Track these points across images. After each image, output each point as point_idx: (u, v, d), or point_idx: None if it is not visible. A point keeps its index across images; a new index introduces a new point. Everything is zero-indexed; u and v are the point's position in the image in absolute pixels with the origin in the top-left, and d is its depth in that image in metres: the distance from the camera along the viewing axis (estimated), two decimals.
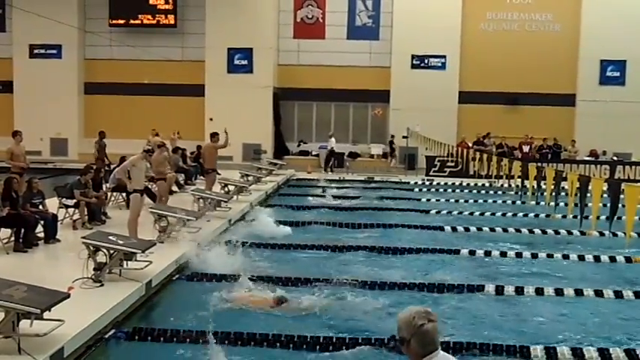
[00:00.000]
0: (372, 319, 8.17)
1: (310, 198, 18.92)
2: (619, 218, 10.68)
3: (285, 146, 30.00)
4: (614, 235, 12.70)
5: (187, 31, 29.78)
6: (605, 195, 10.13)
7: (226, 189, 16.36)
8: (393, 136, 28.48)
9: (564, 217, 14.67)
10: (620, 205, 9.34)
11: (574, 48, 28.84)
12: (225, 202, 14.89)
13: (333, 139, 26.61)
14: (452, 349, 7.07)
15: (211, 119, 27.46)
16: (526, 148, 27.41)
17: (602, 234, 12.99)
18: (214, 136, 16.75)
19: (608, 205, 9.17)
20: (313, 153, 29.40)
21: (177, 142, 21.65)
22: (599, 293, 9.26)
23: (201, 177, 18.53)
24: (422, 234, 13.92)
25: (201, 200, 14.17)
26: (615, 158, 26.94)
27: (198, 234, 11.70)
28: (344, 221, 15.01)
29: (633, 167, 25.65)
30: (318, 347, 7.13)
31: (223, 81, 28.39)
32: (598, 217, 10.60)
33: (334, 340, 7.26)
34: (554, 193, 12.46)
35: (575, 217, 11.08)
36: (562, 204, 13.37)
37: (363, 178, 24.04)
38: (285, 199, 18.77)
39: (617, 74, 28.64)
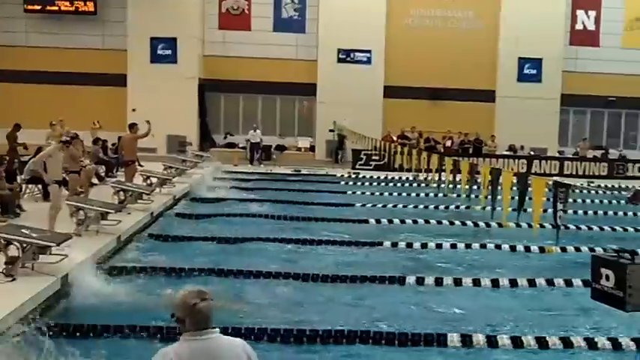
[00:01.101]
0: (289, 310, 8.22)
1: (235, 190, 18.78)
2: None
3: (211, 138, 29.65)
4: (530, 226, 13.22)
5: (108, 19, 28.94)
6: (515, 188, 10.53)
7: (148, 181, 16.02)
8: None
9: (483, 208, 15.08)
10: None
11: (494, 45, 29.70)
12: (148, 194, 14.58)
13: (255, 131, 26.46)
14: (372, 339, 7.20)
15: (134, 110, 26.75)
16: (449, 143, 28.11)
17: (518, 225, 13.42)
18: (133, 127, 16.40)
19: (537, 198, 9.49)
20: (240, 145, 29.18)
21: (97, 132, 21.06)
22: (514, 283, 9.58)
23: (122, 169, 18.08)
24: (346, 226, 14.05)
25: (121, 192, 13.82)
26: (532, 153, 27.93)
27: (118, 227, 11.43)
28: (268, 213, 14.98)
29: (549, 161, 26.72)
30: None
31: (146, 71, 27.75)
32: (517, 210, 10.95)
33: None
34: (468, 186, 12.81)
35: (494, 208, 11.40)
36: (482, 197, 13.76)
37: (290, 171, 24.04)
38: (210, 192, 18.57)
39: (534, 72, 29.69)
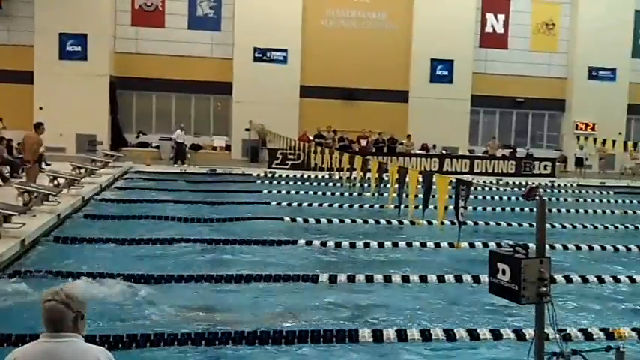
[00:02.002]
0: (203, 312, 8.10)
1: (147, 191, 18.37)
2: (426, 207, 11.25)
3: (123, 137, 28.86)
4: (442, 223, 13.56)
5: (14, 14, 27.71)
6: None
7: (56, 182, 15.43)
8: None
9: (396, 207, 15.33)
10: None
11: (407, 47, 30.30)
12: (54, 195, 14.03)
13: (181, 131, 25.97)
14: (284, 338, 7.18)
15: (41, 108, 25.82)
16: (364, 142, 28.46)
17: (430, 222, 13.72)
18: (39, 127, 15.79)
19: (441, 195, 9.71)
20: (153, 145, 28.57)
21: (2, 132, 20.13)
22: (423, 278, 9.78)
23: None
24: (262, 225, 14.00)
25: (26, 194, 13.25)
26: (444, 152, 28.67)
27: (22, 230, 10.94)
28: (181, 214, 14.72)
29: (460, 160, 27.49)
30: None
31: (55, 68, 26.77)
32: (426, 208, 11.18)
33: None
34: (377, 185, 13.00)
35: (400, 207, 11.60)
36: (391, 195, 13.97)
37: (205, 171, 23.73)
38: (121, 193, 18.09)
39: (446, 73, 30.49)
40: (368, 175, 13.72)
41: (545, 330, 3.92)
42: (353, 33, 30.07)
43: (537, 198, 3.87)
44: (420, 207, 10.23)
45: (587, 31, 31.49)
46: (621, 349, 3.80)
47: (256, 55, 29.20)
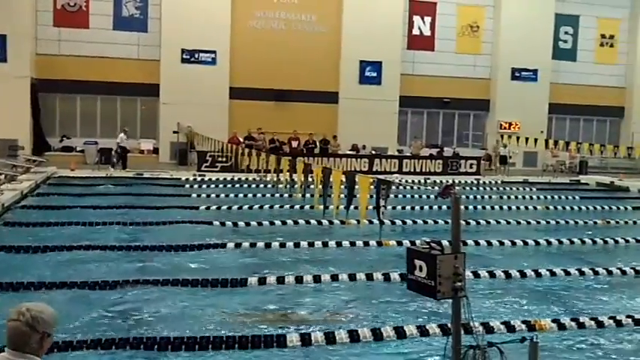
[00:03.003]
0: (130, 320, 7.92)
1: (71, 197, 17.83)
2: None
3: (45, 142, 27.93)
4: (370, 222, 13.74)
5: None
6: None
7: None
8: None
9: (327, 207, 15.40)
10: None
11: (336, 48, 30.51)
12: None
13: (124, 135, 25.37)
14: (212, 344, 7.07)
15: None
16: (295, 144, 28.50)
17: (358, 222, 13.83)
18: None
19: (363, 195, 9.79)
20: (78, 149, 27.79)
21: None
22: (352, 277, 9.84)
23: None
24: (190, 229, 13.79)
25: None
26: (373, 152, 29.01)
27: None
28: (108, 220, 14.34)
29: (389, 160, 27.88)
30: None
31: None
32: (346, 207, 11.25)
33: None
34: (304, 185, 13.05)
35: (325, 207, 11.65)
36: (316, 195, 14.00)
37: (131, 175, 23.23)
38: (43, 199, 17.49)
39: (375, 74, 30.87)
40: (295, 176, 13.74)
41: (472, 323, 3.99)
42: (282, 34, 30.09)
43: (452, 196, 3.94)
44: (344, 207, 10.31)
45: (510, 34, 32.51)
46: (535, 340, 3.93)
47: (184, 56, 28.85)
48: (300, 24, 30.50)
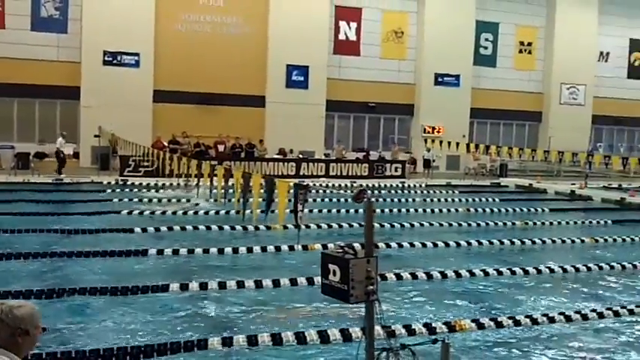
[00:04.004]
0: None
1: None
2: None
3: None
4: (300, 227, 13.76)
5: None
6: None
7: None
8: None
9: (252, 212, 15.32)
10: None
11: (263, 52, 30.44)
12: None
13: (61, 139, 24.45)
14: (129, 354, 6.90)
15: None
16: (221, 148, 28.25)
17: (285, 227, 13.81)
18: None
19: (291, 199, 9.75)
20: None
21: None
22: (276, 282, 9.81)
23: None
24: (112, 236, 13.44)
25: None
26: (301, 156, 29.07)
27: None
28: (24, 228, 13.81)
29: (316, 164, 27.99)
30: None
31: None
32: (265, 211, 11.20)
33: None
34: (224, 190, 12.97)
35: (244, 211, 11.58)
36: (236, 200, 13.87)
37: (50, 180, 22.48)
38: None
39: (302, 78, 30.97)
40: (215, 181, 13.61)
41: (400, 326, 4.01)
42: (208, 37, 29.81)
43: (365, 200, 3.98)
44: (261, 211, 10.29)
45: (433, 40, 33.25)
46: (446, 341, 4.01)
47: (106, 58, 28.16)
48: (225, 27, 30.28)
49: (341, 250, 3.82)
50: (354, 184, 24.33)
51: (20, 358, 3.10)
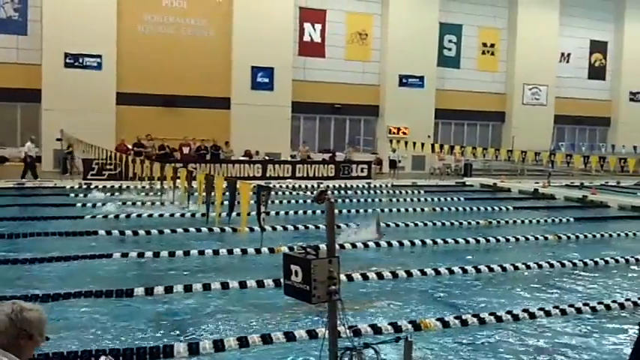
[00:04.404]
0: None
1: None
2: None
3: None
4: (263, 229, 13.77)
5: None
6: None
7: None
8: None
9: (220, 215, 15.23)
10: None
11: (227, 54, 30.31)
12: None
13: (29, 144, 23.98)
14: (92, 357, 6.80)
15: None
16: (186, 150, 28.04)
17: (252, 229, 13.76)
18: None
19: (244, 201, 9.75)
20: None
21: None
22: (243, 284, 9.76)
23: None
24: (75, 241, 13.24)
25: None
26: (267, 157, 29.00)
27: None
28: None
29: (282, 165, 27.96)
30: None
31: None
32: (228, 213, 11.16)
33: None
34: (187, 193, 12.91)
35: (208, 214, 11.53)
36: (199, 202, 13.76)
37: (11, 185, 22.06)
38: None
39: (267, 80, 30.90)
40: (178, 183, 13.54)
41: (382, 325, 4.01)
42: (172, 39, 29.57)
43: (326, 201, 3.98)
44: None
45: (397, 42, 33.49)
46: (409, 339, 4.03)
47: (67, 60, 27.74)
48: (189, 28, 30.08)
49: (303, 251, 3.83)
50: (321, 185, 24.36)
51: None
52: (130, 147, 26.02)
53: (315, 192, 4.31)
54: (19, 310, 3.06)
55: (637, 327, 3.39)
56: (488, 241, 14.40)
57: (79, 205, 18.46)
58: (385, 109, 34.30)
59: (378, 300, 9.40)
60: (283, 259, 3.89)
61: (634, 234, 16.10)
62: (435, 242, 13.86)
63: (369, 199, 21.91)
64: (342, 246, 12.88)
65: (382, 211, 19.14)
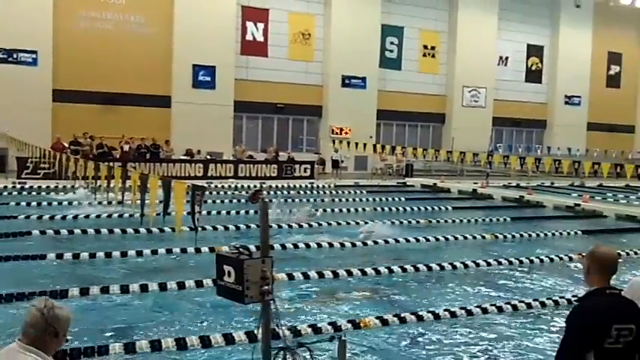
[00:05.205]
0: None
1: None
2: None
3: None
4: (203, 229, 13.66)
5: None
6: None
7: None
8: None
9: (159, 214, 14.96)
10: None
11: (168, 52, 29.88)
12: None
13: None
14: None
15: None
16: (126, 148, 27.51)
17: (192, 229, 13.56)
18: None
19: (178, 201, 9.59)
20: None
21: None
22: (181, 285, 9.62)
23: None
24: (7, 242, 12.81)
25: None
26: (209, 157, 28.71)
27: None
28: None
29: (224, 165, 27.72)
30: None
31: None
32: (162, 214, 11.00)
33: None
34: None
35: (142, 214, 11.34)
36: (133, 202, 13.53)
37: None
38: None
39: (208, 79, 30.61)
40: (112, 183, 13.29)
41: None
42: (111, 35, 28.97)
43: (260, 201, 3.96)
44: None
45: (340, 42, 33.66)
46: (343, 339, 4.04)
47: (1, 55, 26.84)
48: (129, 25, 29.51)
49: (236, 251, 3.79)
50: (263, 185, 24.28)
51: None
52: (66, 145, 25.34)
53: (249, 192, 4.28)
54: (51, 307, 3.17)
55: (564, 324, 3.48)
56: (428, 240, 14.58)
57: (12, 204, 17.88)
58: (328, 110, 34.43)
59: (318, 299, 9.41)
60: (216, 260, 3.84)
61: (568, 233, 16.59)
62: (375, 242, 13.96)
63: (312, 199, 21.92)
64: (283, 246, 12.86)
65: (325, 211, 19.21)
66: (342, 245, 13.53)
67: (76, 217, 16.08)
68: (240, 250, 3.76)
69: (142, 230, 14.21)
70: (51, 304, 3.18)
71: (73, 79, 27.84)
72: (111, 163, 15.13)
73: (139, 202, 12.03)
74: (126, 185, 12.35)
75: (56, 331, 3.15)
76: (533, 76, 41.93)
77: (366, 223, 16.24)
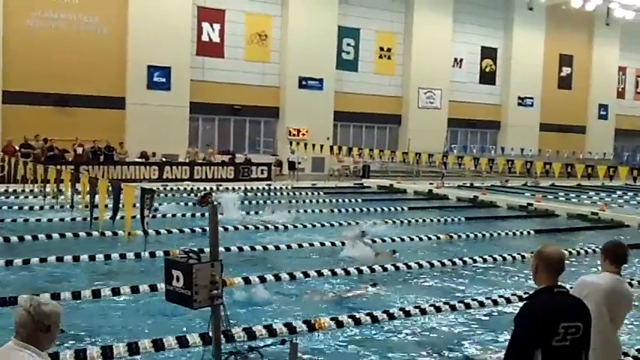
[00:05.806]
0: None
1: None
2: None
3: None
4: (157, 232, 13.56)
5: None
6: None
7: None
8: None
9: (111, 218, 14.72)
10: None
11: (122, 52, 29.44)
12: None
13: None
14: None
15: None
16: (79, 150, 27.00)
17: (146, 233, 13.37)
18: None
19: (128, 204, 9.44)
20: None
21: None
22: (135, 289, 9.49)
23: None
24: None
25: None
26: (164, 159, 28.37)
27: None
28: None
29: (180, 167, 27.44)
30: None
31: None
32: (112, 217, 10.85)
33: None
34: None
35: (92, 218, 11.16)
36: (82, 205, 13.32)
37: None
38: None
39: (164, 80, 30.26)
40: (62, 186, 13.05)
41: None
42: (63, 35, 28.41)
43: (210, 204, 3.93)
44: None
45: (297, 44, 33.65)
46: (294, 341, 4.04)
47: None
48: (82, 25, 28.97)
49: (185, 256, 3.75)
50: (221, 188, 24.12)
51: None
52: (17, 148, 24.76)
53: (199, 195, 4.25)
54: (36, 304, 3.30)
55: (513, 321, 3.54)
56: (384, 241, 14.67)
57: None
58: (285, 111, 34.39)
59: (272, 301, 9.39)
60: (165, 264, 3.79)
61: (521, 232, 16.90)
62: (333, 244, 13.98)
63: (269, 201, 21.86)
64: (240, 248, 12.81)
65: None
66: (300, 246, 13.52)
67: (26, 220, 15.75)
68: (190, 254, 3.73)
69: (95, 234, 13.97)
70: (36, 302, 3.32)
71: (25, 80, 27.21)
72: (60, 167, 14.78)
73: (84, 205, 11.83)
74: (76, 189, 12.11)
75: (46, 326, 3.29)
76: (487, 77, 42.60)
77: (295, 227, 16.31)
